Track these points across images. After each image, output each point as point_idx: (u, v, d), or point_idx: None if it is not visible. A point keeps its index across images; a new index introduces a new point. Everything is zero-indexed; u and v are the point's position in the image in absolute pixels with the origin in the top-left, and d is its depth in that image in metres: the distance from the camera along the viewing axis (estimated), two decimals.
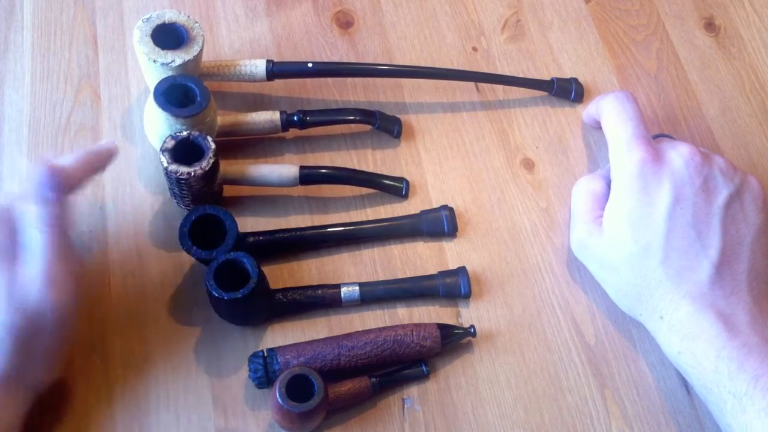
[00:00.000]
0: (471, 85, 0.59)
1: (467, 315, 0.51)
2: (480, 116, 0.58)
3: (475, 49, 0.61)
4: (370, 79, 0.58)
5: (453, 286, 0.51)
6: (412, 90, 0.59)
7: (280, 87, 0.57)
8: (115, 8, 0.59)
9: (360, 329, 0.49)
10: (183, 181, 0.47)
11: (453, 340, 0.49)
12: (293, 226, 0.53)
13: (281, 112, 0.53)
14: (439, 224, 0.53)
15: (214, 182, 0.49)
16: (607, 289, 0.52)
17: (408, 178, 0.55)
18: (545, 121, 0.58)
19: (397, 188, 0.54)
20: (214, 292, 0.44)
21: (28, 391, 0.42)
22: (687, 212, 0.48)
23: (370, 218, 0.54)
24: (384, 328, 0.49)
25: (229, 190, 0.53)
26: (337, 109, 0.57)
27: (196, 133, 0.47)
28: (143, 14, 0.53)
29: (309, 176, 0.52)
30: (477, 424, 0.48)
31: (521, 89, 0.59)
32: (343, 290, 0.50)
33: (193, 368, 0.48)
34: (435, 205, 0.55)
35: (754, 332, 0.45)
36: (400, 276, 0.52)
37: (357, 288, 0.50)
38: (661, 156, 0.49)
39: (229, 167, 0.52)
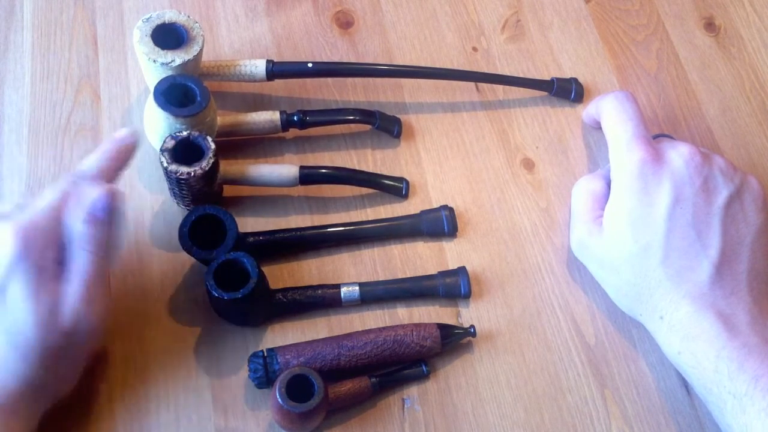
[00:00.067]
0: (471, 85, 0.59)
1: (467, 315, 0.51)
2: (480, 116, 0.58)
3: (475, 49, 0.61)
4: (370, 79, 0.58)
5: (453, 286, 0.51)
6: (412, 90, 0.59)
7: (280, 87, 0.57)
8: (115, 8, 0.59)
9: (360, 329, 0.49)
10: (183, 181, 0.47)
11: (453, 340, 0.49)
12: (293, 226, 0.53)
13: (281, 112, 0.53)
14: (439, 224, 0.53)
15: (214, 182, 0.49)
16: (607, 289, 0.52)
17: (408, 178, 0.55)
18: (545, 121, 0.58)
19: (397, 188, 0.54)
20: (214, 292, 0.44)
21: (48, 400, 0.43)
22: (687, 212, 0.48)
23: (370, 218, 0.54)
24: (384, 328, 0.49)
25: (229, 190, 0.53)
26: (337, 109, 0.57)
27: (196, 133, 0.47)
28: (143, 14, 0.53)
29: (309, 176, 0.52)
30: (477, 424, 0.48)
31: (521, 89, 0.59)
32: (343, 290, 0.50)
33: (193, 368, 0.48)
34: (435, 205, 0.55)
35: (754, 332, 0.45)
36: (400, 276, 0.52)
37: (357, 288, 0.50)
38: (661, 156, 0.49)
39: (229, 167, 0.52)
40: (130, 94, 0.56)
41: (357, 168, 0.55)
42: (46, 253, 0.40)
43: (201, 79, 0.50)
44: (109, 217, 0.42)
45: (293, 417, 0.43)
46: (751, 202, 0.49)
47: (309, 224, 0.53)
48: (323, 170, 0.53)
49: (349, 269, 0.52)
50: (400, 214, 0.54)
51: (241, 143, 0.55)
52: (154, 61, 0.48)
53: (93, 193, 0.42)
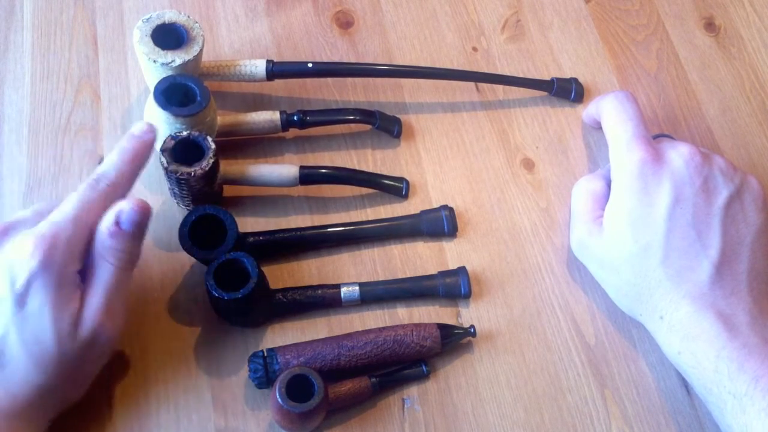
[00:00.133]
0: (471, 85, 0.59)
1: (467, 315, 0.51)
2: (480, 116, 0.58)
3: (475, 49, 0.61)
4: (370, 79, 0.58)
5: (453, 286, 0.51)
6: (412, 90, 0.59)
7: (280, 87, 0.57)
8: (115, 8, 0.59)
9: (360, 329, 0.49)
10: (183, 181, 0.47)
11: (453, 340, 0.49)
12: (293, 226, 0.53)
13: (281, 112, 0.53)
14: (439, 224, 0.53)
15: (214, 182, 0.49)
16: (607, 289, 0.52)
17: (408, 178, 0.55)
18: (545, 121, 0.58)
19: (397, 188, 0.54)
20: (214, 292, 0.44)
21: (58, 407, 0.43)
22: (687, 212, 0.48)
23: (370, 218, 0.54)
24: (384, 328, 0.49)
25: (229, 190, 0.53)
26: (337, 109, 0.57)
27: (196, 133, 0.47)
28: (143, 14, 0.53)
29: (309, 176, 0.52)
30: (477, 424, 0.48)
31: (521, 89, 0.59)
32: (343, 290, 0.50)
33: (193, 368, 0.48)
34: (435, 205, 0.55)
35: (754, 333, 0.45)
36: (400, 276, 0.52)
37: (357, 288, 0.50)
38: (661, 156, 0.49)
39: (229, 167, 0.52)
40: (130, 94, 0.56)
41: (357, 168, 0.55)
42: (68, 265, 0.40)
43: (201, 79, 0.50)
44: (136, 231, 0.42)
45: (293, 417, 0.43)
46: (751, 202, 0.49)
47: (309, 224, 0.53)
48: (323, 170, 0.53)
49: (349, 269, 0.52)
50: (400, 214, 0.54)
51: (241, 143, 0.55)
52: (154, 61, 0.48)
53: (121, 205, 0.41)
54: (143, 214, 0.42)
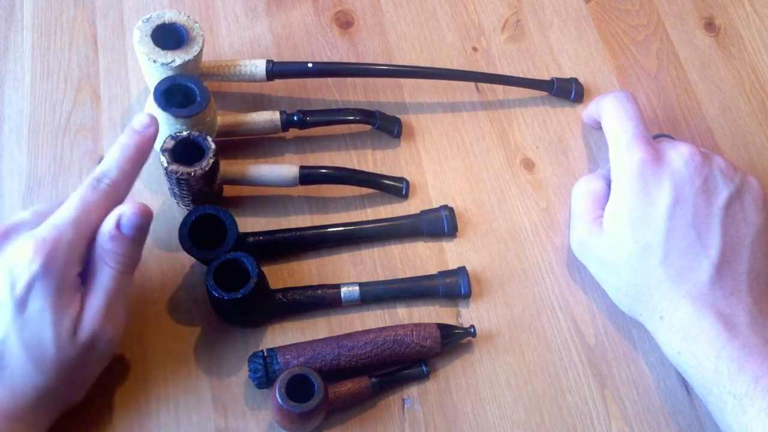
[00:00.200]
0: (471, 85, 0.59)
1: (467, 315, 0.51)
2: (480, 116, 0.58)
3: (475, 49, 0.61)
4: (370, 79, 0.58)
5: (453, 286, 0.51)
6: (412, 90, 0.59)
7: (280, 87, 0.57)
8: (115, 8, 0.59)
9: (360, 329, 0.49)
10: (183, 181, 0.47)
11: (453, 340, 0.49)
12: (293, 226, 0.53)
13: (281, 112, 0.53)
14: (439, 224, 0.53)
15: (214, 182, 0.49)
16: (607, 289, 0.52)
17: (408, 178, 0.55)
18: (545, 121, 0.58)
19: (397, 188, 0.54)
20: (214, 292, 0.44)
21: (58, 410, 0.43)
22: (687, 212, 0.48)
23: (370, 218, 0.54)
24: (384, 328, 0.49)
25: (229, 190, 0.53)
26: (337, 109, 0.57)
27: (196, 133, 0.47)
28: (143, 14, 0.53)
29: (309, 176, 0.52)
30: (477, 424, 0.48)
31: (521, 89, 0.59)
32: (343, 290, 0.50)
33: (193, 368, 0.48)
34: (435, 205, 0.55)
35: (754, 333, 0.45)
36: (400, 276, 0.52)
37: (357, 288, 0.50)
38: (661, 156, 0.49)
39: (229, 167, 0.52)
40: (130, 94, 0.56)
41: (357, 168, 0.55)
42: (68, 269, 0.40)
43: (201, 79, 0.50)
44: (136, 235, 0.42)
45: (293, 417, 0.43)
46: (751, 202, 0.49)
47: (309, 224, 0.53)
48: (323, 170, 0.53)
49: (349, 269, 0.52)
50: (400, 214, 0.54)
51: (241, 143, 0.55)
52: (154, 61, 0.48)
53: (122, 209, 0.41)
54: (144, 218, 0.42)
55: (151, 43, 0.49)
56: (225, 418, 0.47)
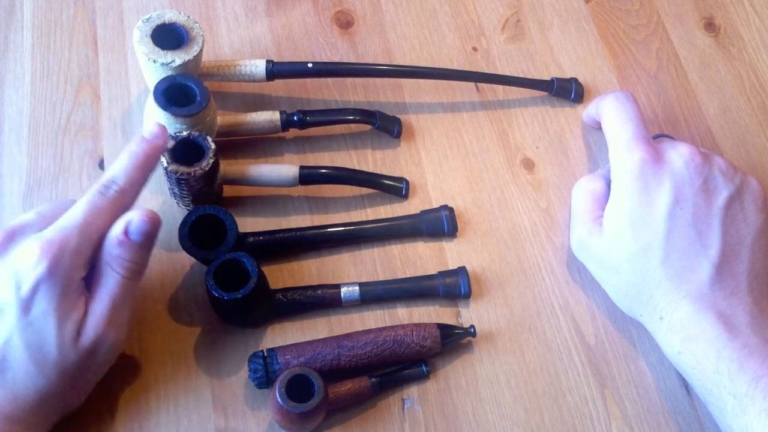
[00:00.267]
0: (471, 85, 0.59)
1: (467, 315, 0.51)
2: (480, 116, 0.58)
3: (475, 49, 0.61)
4: (370, 79, 0.58)
5: (453, 286, 0.51)
6: (412, 90, 0.59)
7: (280, 87, 0.57)
8: (115, 8, 0.59)
9: (360, 329, 0.49)
10: (183, 181, 0.47)
11: (453, 340, 0.49)
12: (293, 226, 0.53)
13: (281, 112, 0.53)
14: (439, 224, 0.53)
15: (214, 182, 0.49)
16: (607, 289, 0.52)
17: (408, 178, 0.55)
18: (545, 121, 0.58)
19: (397, 188, 0.54)
20: (214, 292, 0.44)
21: (59, 413, 0.43)
22: (687, 212, 0.48)
23: (370, 218, 0.54)
24: (384, 328, 0.49)
25: (229, 190, 0.53)
26: (337, 109, 0.57)
27: (196, 133, 0.47)
28: (143, 14, 0.53)
29: (309, 176, 0.52)
30: (477, 424, 0.48)
31: (521, 89, 0.59)
32: (343, 290, 0.50)
33: (193, 368, 0.48)
34: (435, 205, 0.55)
35: (755, 333, 0.45)
36: (400, 276, 0.52)
37: (357, 288, 0.50)
38: (661, 156, 0.49)
39: (229, 167, 0.52)
40: (130, 94, 0.56)
41: (357, 168, 0.55)
42: (74, 273, 0.40)
43: (201, 79, 0.50)
44: (144, 242, 0.42)
45: (293, 417, 0.43)
46: (751, 203, 0.49)
47: (309, 224, 0.53)
48: (323, 170, 0.53)
49: (349, 269, 0.52)
50: (400, 214, 0.54)
51: (241, 143, 0.55)
52: (154, 61, 0.48)
53: (131, 215, 0.41)
54: (153, 225, 0.42)
55: (151, 43, 0.49)
56: (225, 418, 0.47)
